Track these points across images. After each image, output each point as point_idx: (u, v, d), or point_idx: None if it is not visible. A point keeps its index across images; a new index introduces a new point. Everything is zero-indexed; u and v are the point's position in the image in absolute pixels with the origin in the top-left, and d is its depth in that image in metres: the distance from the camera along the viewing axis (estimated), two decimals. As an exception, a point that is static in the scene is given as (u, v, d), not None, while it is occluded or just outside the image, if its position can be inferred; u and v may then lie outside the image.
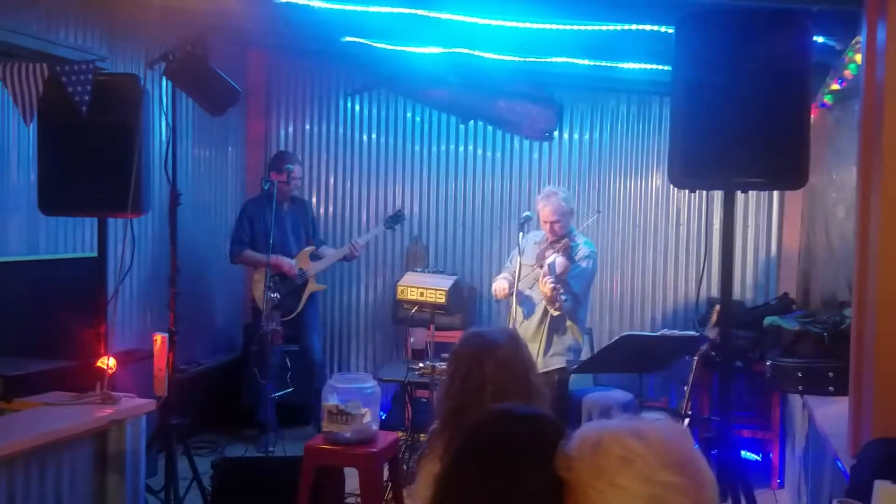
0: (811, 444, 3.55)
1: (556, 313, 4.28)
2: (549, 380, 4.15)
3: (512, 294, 4.33)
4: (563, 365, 4.37)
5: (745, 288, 5.65)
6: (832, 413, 3.14)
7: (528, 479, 1.37)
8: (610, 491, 1.25)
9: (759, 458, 5.02)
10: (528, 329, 4.34)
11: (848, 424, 2.70)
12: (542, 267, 4.21)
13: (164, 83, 3.62)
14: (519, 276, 4.27)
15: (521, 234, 4.38)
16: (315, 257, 5.58)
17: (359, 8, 4.13)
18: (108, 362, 3.36)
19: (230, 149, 6.30)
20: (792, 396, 4.23)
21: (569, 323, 4.37)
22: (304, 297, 5.49)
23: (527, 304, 4.40)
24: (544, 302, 4.26)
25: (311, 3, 4.12)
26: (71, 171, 3.40)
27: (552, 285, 4.07)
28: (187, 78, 3.49)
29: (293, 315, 5.45)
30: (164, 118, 3.65)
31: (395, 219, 5.61)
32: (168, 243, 3.66)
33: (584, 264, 4.33)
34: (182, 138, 5.41)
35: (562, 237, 4.31)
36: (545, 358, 4.33)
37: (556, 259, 4.13)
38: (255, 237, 5.42)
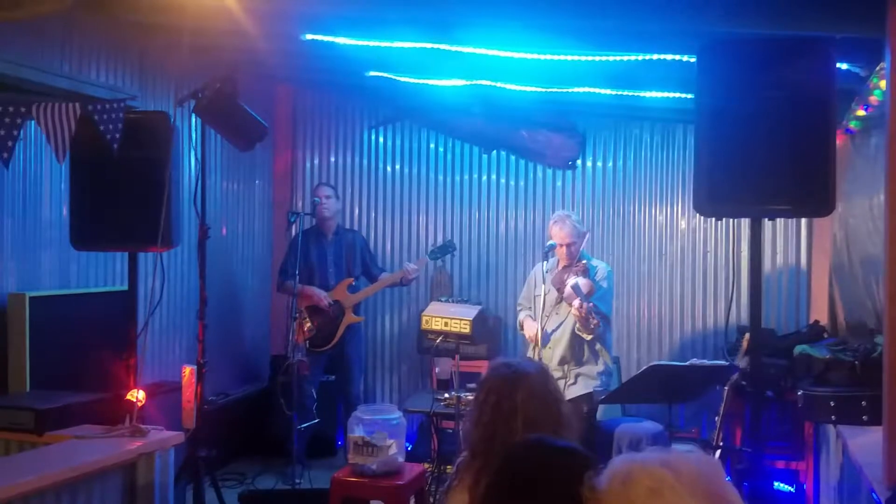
0: (846, 475, 3.47)
1: (588, 337, 4.24)
2: (578, 408, 4.11)
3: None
4: (592, 390, 4.32)
5: (775, 316, 5.57)
6: (867, 443, 3.07)
7: None
8: None
9: (793, 490, 4.92)
10: (553, 355, 4.31)
11: (882, 455, 2.64)
12: (561, 291, 4.19)
13: (193, 119, 3.69)
14: (543, 306, 4.24)
15: (543, 262, 4.37)
16: (354, 289, 5.58)
17: (383, 44, 4.19)
18: (137, 395, 3.39)
19: (258, 182, 6.39)
20: (826, 426, 4.15)
21: (598, 346, 4.34)
22: (341, 329, 5.49)
23: (550, 330, 4.36)
24: (576, 327, 4.23)
25: (337, 40, 4.19)
26: (102, 207, 3.47)
27: (585, 305, 4.02)
28: (216, 115, 3.56)
29: (329, 347, 5.47)
30: (193, 153, 3.72)
31: (444, 249, 5.55)
32: (197, 276, 3.71)
33: (605, 284, 4.33)
34: (211, 172, 5.52)
35: (577, 260, 4.31)
36: (574, 383, 4.30)
37: (579, 280, 4.11)
38: (298, 268, 5.45)
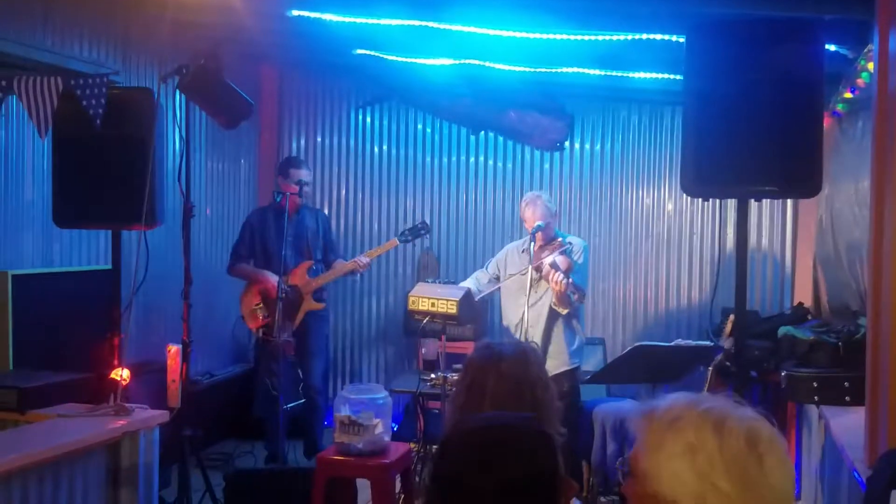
0: (827, 455, 3.51)
1: (563, 311, 4.25)
2: (558, 385, 4.11)
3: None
4: (571, 367, 4.34)
5: (759, 297, 5.61)
6: (848, 423, 3.11)
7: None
8: (665, 465, 1.22)
9: (775, 470, 4.97)
10: (531, 334, 4.32)
11: (864, 434, 2.67)
12: (539, 270, 4.19)
13: (177, 96, 3.64)
14: (527, 287, 4.23)
15: (531, 243, 4.36)
16: (314, 273, 5.29)
17: (370, 21, 4.15)
18: (121, 374, 3.37)
19: (243, 161, 6.33)
20: (808, 407, 4.19)
21: (574, 323, 4.36)
22: (300, 315, 5.19)
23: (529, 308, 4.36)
24: (552, 302, 4.24)
25: (324, 17, 4.15)
26: (85, 185, 3.44)
27: (564, 280, 4.03)
28: (200, 91, 3.51)
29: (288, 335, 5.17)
30: (177, 131, 3.68)
31: (415, 231, 5.24)
32: (181, 255, 3.68)
33: (581, 260, 4.34)
34: (195, 151, 5.44)
35: (552, 239, 4.31)
36: (552, 360, 4.31)
37: (557, 258, 4.11)
38: (254, 250, 5.22)
